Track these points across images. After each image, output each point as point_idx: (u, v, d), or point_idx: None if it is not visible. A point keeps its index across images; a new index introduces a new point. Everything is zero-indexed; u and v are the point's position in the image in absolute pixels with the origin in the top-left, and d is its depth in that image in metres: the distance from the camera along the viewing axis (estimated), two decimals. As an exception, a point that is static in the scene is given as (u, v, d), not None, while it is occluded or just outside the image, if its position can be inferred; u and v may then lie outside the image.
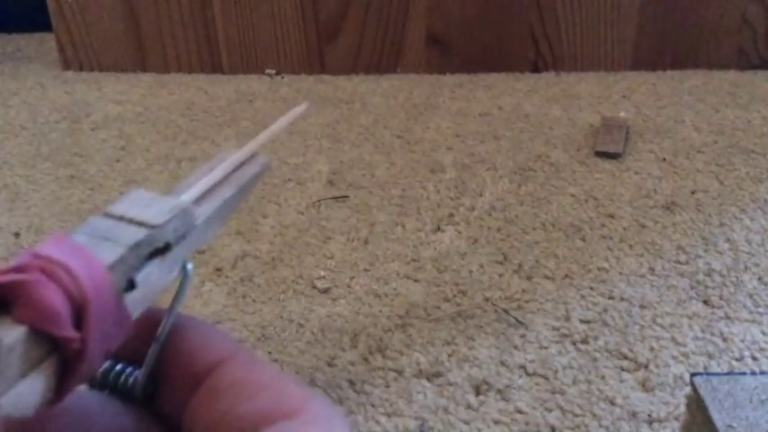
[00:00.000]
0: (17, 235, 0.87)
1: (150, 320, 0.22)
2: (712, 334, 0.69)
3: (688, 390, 0.58)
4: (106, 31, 1.33)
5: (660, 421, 0.59)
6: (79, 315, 0.19)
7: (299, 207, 0.91)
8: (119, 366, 0.23)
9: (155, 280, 0.22)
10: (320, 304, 0.74)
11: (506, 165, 0.99)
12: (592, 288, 0.75)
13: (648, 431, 0.59)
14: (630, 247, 0.82)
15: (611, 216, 0.87)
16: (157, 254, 0.22)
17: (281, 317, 0.73)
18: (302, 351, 0.68)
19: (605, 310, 0.72)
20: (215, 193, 0.25)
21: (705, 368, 0.65)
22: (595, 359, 0.66)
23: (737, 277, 0.76)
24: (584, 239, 0.83)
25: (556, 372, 0.65)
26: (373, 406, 0.62)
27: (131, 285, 0.21)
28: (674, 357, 0.66)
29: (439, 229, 0.86)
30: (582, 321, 0.71)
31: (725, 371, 0.65)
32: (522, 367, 0.65)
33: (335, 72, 1.32)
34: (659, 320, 0.70)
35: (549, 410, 0.61)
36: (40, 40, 1.49)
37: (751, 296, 0.74)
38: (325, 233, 0.86)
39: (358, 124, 1.12)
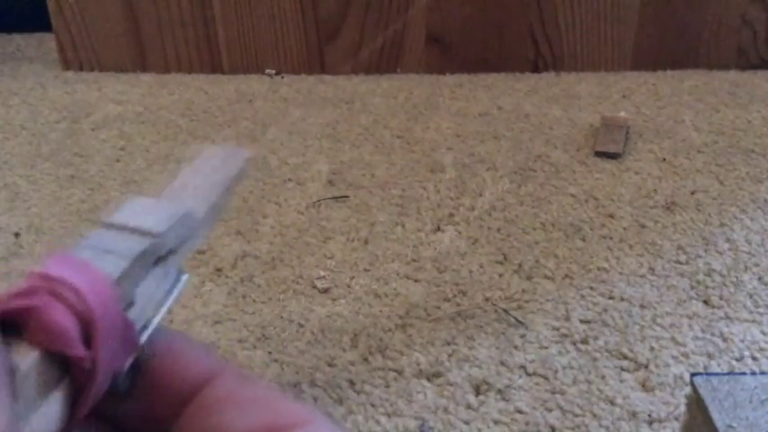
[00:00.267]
0: (17, 235, 0.87)
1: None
2: (712, 334, 0.69)
3: (688, 390, 0.58)
4: (106, 31, 1.33)
5: (660, 421, 0.59)
6: (87, 333, 0.19)
7: (299, 207, 0.91)
8: None
9: (153, 292, 0.22)
10: (320, 304, 0.74)
11: (506, 165, 0.99)
12: (592, 288, 0.75)
13: (648, 431, 0.59)
14: (630, 247, 0.82)
15: (611, 216, 0.87)
16: (160, 261, 0.22)
17: (281, 317, 0.73)
18: (302, 351, 0.68)
19: (605, 310, 0.72)
20: (204, 194, 0.25)
21: (705, 368, 0.65)
22: (595, 359, 0.66)
23: (737, 277, 0.76)
24: (584, 239, 0.83)
25: (556, 372, 0.65)
26: (373, 406, 0.62)
27: (130, 303, 0.21)
28: (674, 357, 0.66)
29: (439, 229, 0.86)
30: (582, 321, 0.71)
31: (725, 371, 0.65)
32: (522, 367, 0.65)
33: (335, 72, 1.32)
34: (659, 320, 0.70)
35: (549, 410, 0.61)
36: (39, 40, 1.49)
37: (751, 296, 0.74)
38: (325, 233, 0.86)
39: (358, 124, 1.12)
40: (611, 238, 0.83)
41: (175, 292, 0.23)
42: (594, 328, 0.70)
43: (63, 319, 0.19)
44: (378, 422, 0.60)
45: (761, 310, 0.72)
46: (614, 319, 0.71)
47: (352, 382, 0.64)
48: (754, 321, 0.70)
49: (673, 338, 0.68)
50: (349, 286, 0.77)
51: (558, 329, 0.70)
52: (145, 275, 0.21)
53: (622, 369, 0.65)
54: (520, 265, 0.79)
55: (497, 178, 0.96)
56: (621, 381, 0.64)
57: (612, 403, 0.61)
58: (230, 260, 0.81)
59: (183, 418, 0.22)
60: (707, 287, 0.75)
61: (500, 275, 0.78)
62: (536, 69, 1.30)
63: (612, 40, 1.28)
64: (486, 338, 0.69)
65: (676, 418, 0.59)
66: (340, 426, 0.58)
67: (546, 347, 0.68)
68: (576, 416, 0.60)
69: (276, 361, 0.67)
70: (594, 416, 0.60)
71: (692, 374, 0.49)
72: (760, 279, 0.76)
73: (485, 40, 1.29)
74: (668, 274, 0.77)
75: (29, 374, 0.18)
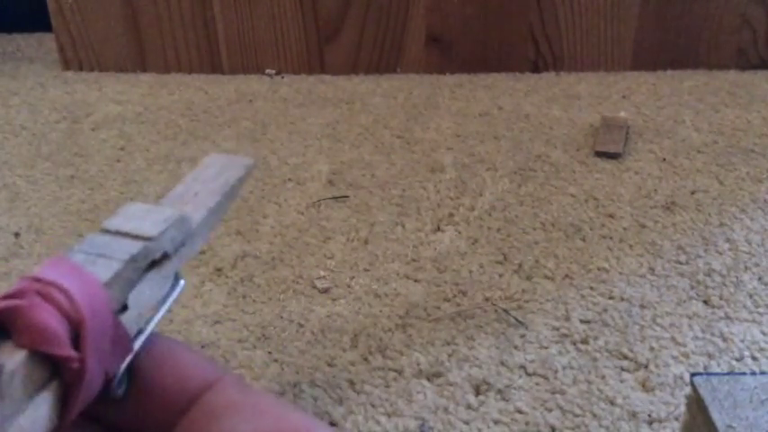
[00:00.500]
0: (17, 235, 0.87)
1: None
2: (712, 334, 0.69)
3: (688, 390, 0.58)
4: (106, 31, 1.33)
5: (660, 421, 0.59)
6: (77, 335, 0.19)
7: (299, 207, 0.91)
8: None
9: (148, 296, 0.22)
10: (320, 304, 0.74)
11: (506, 165, 0.99)
12: (592, 288, 0.75)
13: (648, 431, 0.59)
14: (630, 247, 0.82)
15: (611, 216, 0.87)
16: (155, 265, 0.22)
17: (281, 317, 0.73)
18: (302, 351, 0.68)
19: (605, 310, 0.72)
20: (204, 200, 0.25)
21: (705, 368, 0.65)
22: (595, 359, 0.66)
23: (737, 277, 0.76)
24: (584, 239, 0.83)
25: (556, 372, 0.65)
26: (373, 406, 0.62)
27: (124, 308, 0.21)
28: (674, 357, 0.66)
29: (439, 229, 0.86)
30: (582, 321, 0.71)
31: (725, 371, 0.65)
32: (522, 367, 0.65)
33: (335, 72, 1.32)
34: (659, 320, 0.70)
35: (549, 410, 0.61)
36: (39, 40, 1.49)
37: (751, 296, 0.74)
38: (325, 233, 0.86)
39: (358, 124, 1.12)
40: (611, 238, 0.83)
41: (172, 298, 0.23)
42: (594, 328, 0.70)
43: (50, 320, 0.19)
44: (378, 422, 0.60)
45: (761, 310, 0.72)
46: (614, 319, 0.71)
47: (352, 382, 0.64)
48: (754, 321, 0.70)
49: (673, 338, 0.68)
50: (349, 286, 0.77)
51: (558, 329, 0.70)
52: (139, 280, 0.22)
53: (622, 369, 0.65)
54: (520, 265, 0.79)
55: (497, 178, 0.96)
56: (621, 381, 0.64)
57: (612, 403, 0.61)
58: (230, 260, 0.81)
59: (183, 424, 0.22)
60: (707, 287, 0.75)
61: (500, 275, 0.78)
62: (536, 69, 1.30)
63: (612, 40, 1.28)
64: (486, 338, 0.69)
65: (676, 418, 0.59)
66: (339, 431, 0.58)
67: (546, 347, 0.68)
68: (576, 416, 0.60)
69: (276, 361, 0.67)
70: (594, 416, 0.60)
71: (692, 374, 0.49)
72: (760, 279, 0.76)
73: (485, 40, 1.29)
74: (668, 274, 0.77)
75: (15, 374, 0.18)
